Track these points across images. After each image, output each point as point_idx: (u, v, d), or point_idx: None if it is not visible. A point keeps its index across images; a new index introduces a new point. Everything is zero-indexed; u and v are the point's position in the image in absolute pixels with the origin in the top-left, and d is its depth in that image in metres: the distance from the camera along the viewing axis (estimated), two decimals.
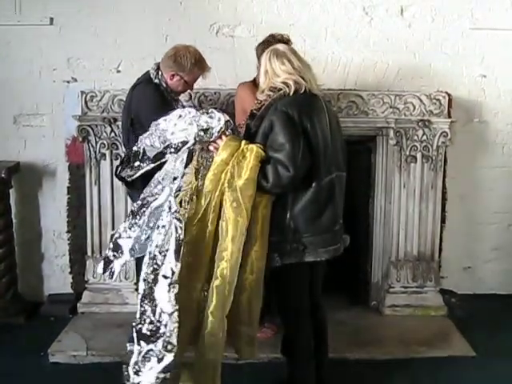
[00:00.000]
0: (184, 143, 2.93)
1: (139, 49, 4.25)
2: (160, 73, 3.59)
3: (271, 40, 3.61)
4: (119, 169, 3.53)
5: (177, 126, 2.96)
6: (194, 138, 2.90)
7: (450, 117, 4.31)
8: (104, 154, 4.24)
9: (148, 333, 2.77)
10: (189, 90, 3.82)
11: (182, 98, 3.93)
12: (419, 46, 4.37)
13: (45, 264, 4.61)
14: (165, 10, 4.27)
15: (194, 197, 2.88)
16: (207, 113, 2.97)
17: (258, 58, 3.61)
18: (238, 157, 2.82)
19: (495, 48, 4.42)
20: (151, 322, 2.77)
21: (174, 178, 2.94)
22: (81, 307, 4.32)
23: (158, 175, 3.04)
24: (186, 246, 2.79)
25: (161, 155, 3.02)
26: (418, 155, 4.30)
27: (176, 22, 4.28)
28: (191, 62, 3.55)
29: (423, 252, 4.39)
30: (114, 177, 3.86)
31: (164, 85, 3.59)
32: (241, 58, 4.28)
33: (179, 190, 2.88)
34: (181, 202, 2.85)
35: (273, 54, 2.99)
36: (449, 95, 4.31)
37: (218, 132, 2.90)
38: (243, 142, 2.87)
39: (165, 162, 3.04)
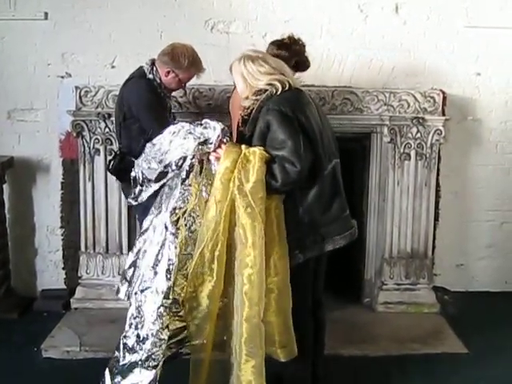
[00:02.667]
0: (184, 159, 2.90)
1: (134, 44, 4.24)
2: (154, 68, 3.59)
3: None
4: (112, 163, 3.54)
5: (172, 142, 2.92)
6: (193, 152, 2.87)
7: (444, 114, 4.31)
8: (98, 150, 4.23)
9: (133, 346, 2.81)
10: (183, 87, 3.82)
11: (177, 93, 3.92)
12: (414, 44, 4.37)
13: (38, 259, 4.59)
14: (160, 5, 4.26)
15: (196, 213, 2.88)
16: (201, 124, 2.93)
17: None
18: (242, 162, 2.78)
19: (490, 46, 4.43)
20: (137, 336, 2.81)
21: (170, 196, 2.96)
22: (74, 303, 4.31)
23: (160, 195, 3.05)
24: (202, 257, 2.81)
25: (162, 175, 2.99)
26: (412, 153, 4.30)
27: (171, 18, 4.27)
28: (188, 60, 3.56)
29: (416, 249, 4.40)
30: (108, 172, 3.89)
31: (158, 81, 3.59)
32: (236, 54, 4.17)
33: (175, 209, 2.88)
34: (177, 220, 2.86)
35: (247, 59, 2.98)
36: (443, 93, 4.31)
37: (216, 141, 2.86)
38: (243, 146, 2.85)
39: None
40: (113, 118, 4.03)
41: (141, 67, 3.64)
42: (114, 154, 3.87)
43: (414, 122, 4.23)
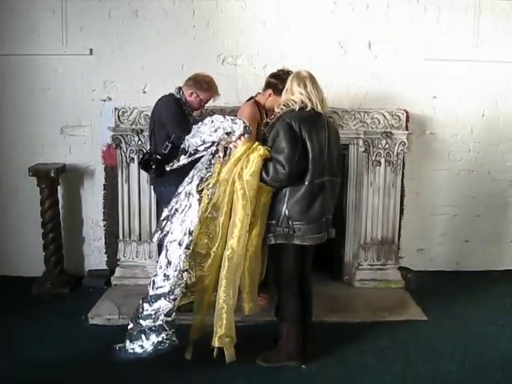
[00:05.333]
0: (213, 143, 3.01)
1: (161, 74, 4.22)
2: (181, 91, 3.64)
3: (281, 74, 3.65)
4: (141, 159, 3.70)
5: (210, 128, 3.03)
6: (220, 139, 2.98)
7: (407, 129, 4.29)
8: (133, 158, 4.21)
9: (160, 282, 2.96)
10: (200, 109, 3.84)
11: (196, 113, 3.92)
12: (383, 73, 4.35)
13: (85, 246, 4.58)
14: (181, 43, 4.25)
15: (215, 187, 2.97)
16: (231, 119, 3.01)
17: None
18: (247, 153, 2.88)
19: (443, 75, 4.40)
20: (164, 275, 2.96)
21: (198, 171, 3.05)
22: (114, 280, 4.30)
23: (194, 168, 3.11)
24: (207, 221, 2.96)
25: (195, 151, 3.10)
26: (382, 160, 4.28)
27: (190, 53, 4.25)
28: (208, 84, 3.66)
29: (386, 237, 4.38)
30: (139, 165, 3.97)
31: (183, 100, 3.66)
32: (241, 82, 4.27)
33: (201, 180, 2.98)
34: (201, 190, 2.96)
35: (296, 76, 3.03)
36: (406, 112, 4.29)
37: (238, 135, 2.95)
38: (256, 143, 2.93)
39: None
40: (145, 133, 4.06)
41: (170, 92, 3.68)
42: (144, 152, 3.93)
43: (383, 135, 4.22)
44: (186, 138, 3.17)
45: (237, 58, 4.30)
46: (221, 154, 3.01)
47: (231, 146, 2.98)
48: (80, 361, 3.22)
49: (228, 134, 2.96)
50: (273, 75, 3.70)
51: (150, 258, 4.32)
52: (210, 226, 3.00)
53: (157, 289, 2.97)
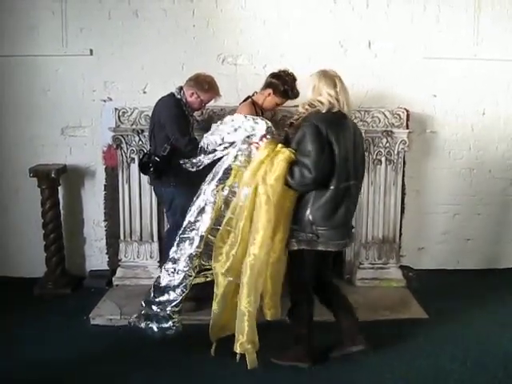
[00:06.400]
0: (232, 143, 2.98)
1: (161, 74, 4.22)
2: (182, 92, 3.62)
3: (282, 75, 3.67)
4: (141, 159, 3.69)
5: (230, 127, 2.99)
6: (242, 140, 2.92)
7: (407, 128, 4.28)
8: (133, 159, 4.20)
9: (170, 275, 3.06)
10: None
11: (196, 113, 3.91)
12: (383, 72, 4.34)
13: (86, 246, 4.57)
14: (181, 43, 4.24)
15: (232, 189, 2.96)
16: (253, 119, 2.96)
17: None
18: (272, 156, 2.80)
19: (443, 73, 4.39)
20: (174, 269, 3.05)
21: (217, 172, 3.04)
22: (115, 281, 4.29)
23: (215, 168, 3.08)
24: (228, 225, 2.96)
25: (213, 151, 3.08)
26: (383, 159, 4.26)
27: (190, 53, 4.24)
28: (209, 85, 3.61)
29: (387, 236, 4.36)
30: (138, 166, 3.94)
31: (184, 101, 3.64)
32: (242, 81, 4.25)
33: (219, 181, 2.97)
34: (217, 191, 2.96)
35: (323, 75, 2.92)
36: (407, 111, 4.27)
37: (261, 135, 2.88)
38: (279, 145, 2.84)
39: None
40: (145, 133, 4.04)
41: (171, 92, 3.65)
42: (143, 153, 3.89)
43: (384, 134, 4.20)
44: (205, 135, 3.13)
45: (237, 58, 4.29)
46: (241, 159, 2.95)
47: (253, 147, 2.90)
48: (81, 361, 3.21)
49: (250, 134, 2.91)
50: (274, 75, 3.68)
51: (151, 258, 4.31)
52: (226, 228, 2.97)
53: (168, 281, 3.06)
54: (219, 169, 3.03)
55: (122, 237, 4.33)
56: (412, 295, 4.13)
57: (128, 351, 3.32)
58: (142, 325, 3.13)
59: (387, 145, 4.24)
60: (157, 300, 3.10)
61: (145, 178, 4.15)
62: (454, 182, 4.59)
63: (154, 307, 3.11)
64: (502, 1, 4.31)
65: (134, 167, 4.19)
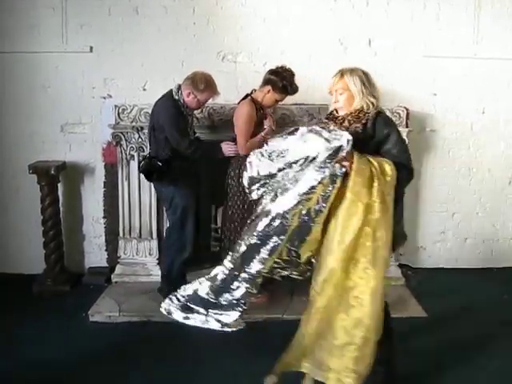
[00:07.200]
0: (307, 158, 2.48)
1: (161, 71, 4.21)
2: (180, 91, 3.58)
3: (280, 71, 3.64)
4: (142, 165, 3.61)
5: (302, 143, 2.53)
6: (327, 156, 2.45)
7: (407, 127, 4.26)
8: (133, 156, 4.19)
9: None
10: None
11: (196, 111, 3.90)
12: (383, 70, 4.28)
13: (86, 243, 4.56)
14: (181, 40, 4.23)
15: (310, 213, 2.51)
16: (330, 131, 2.53)
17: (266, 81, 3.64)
18: (379, 177, 2.47)
19: (443, 72, 4.39)
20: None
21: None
22: (114, 278, 4.28)
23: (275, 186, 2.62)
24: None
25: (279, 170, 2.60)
26: None
27: (190, 50, 4.24)
28: (205, 85, 3.56)
29: None
30: (139, 172, 3.90)
31: (182, 101, 3.59)
32: (241, 79, 4.24)
33: (298, 203, 2.50)
34: (294, 214, 2.50)
35: (366, 77, 2.76)
36: (407, 109, 4.26)
37: (346, 151, 2.44)
38: (371, 159, 2.50)
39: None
40: (145, 131, 4.03)
41: (170, 90, 3.64)
42: (143, 157, 3.85)
43: None
44: (270, 143, 2.67)
45: (237, 55, 4.29)
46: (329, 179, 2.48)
47: (336, 165, 2.46)
48: (80, 360, 3.20)
49: (337, 150, 2.44)
50: (272, 72, 3.67)
51: (150, 255, 4.31)
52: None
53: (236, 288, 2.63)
54: (299, 188, 2.52)
55: (121, 234, 4.33)
56: (411, 294, 4.13)
57: (128, 349, 3.32)
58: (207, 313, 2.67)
59: None
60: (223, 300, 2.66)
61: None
62: (453, 181, 4.59)
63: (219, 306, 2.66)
64: None
65: (134, 164, 4.18)
